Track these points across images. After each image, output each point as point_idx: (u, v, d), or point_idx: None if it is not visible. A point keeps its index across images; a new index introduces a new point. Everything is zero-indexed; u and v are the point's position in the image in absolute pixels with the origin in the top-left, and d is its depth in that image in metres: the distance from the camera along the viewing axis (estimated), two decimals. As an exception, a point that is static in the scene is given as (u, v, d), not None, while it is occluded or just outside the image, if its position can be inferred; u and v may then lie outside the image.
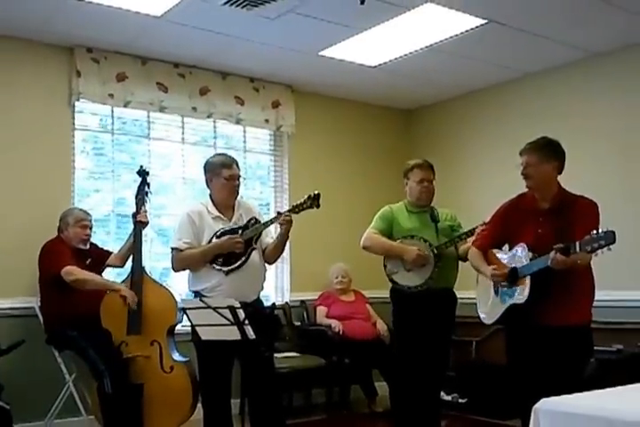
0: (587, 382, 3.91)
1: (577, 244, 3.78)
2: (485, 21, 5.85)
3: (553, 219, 4.24)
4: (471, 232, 5.01)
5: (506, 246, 4.50)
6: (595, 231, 3.72)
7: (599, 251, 3.72)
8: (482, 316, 4.61)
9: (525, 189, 4.53)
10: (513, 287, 4.23)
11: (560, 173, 4.39)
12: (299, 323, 7.26)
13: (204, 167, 4.97)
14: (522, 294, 4.14)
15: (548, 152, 4.34)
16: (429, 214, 5.24)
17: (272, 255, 4.96)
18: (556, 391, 3.86)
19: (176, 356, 5.33)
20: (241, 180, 4.97)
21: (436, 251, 5.06)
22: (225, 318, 4.08)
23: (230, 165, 4.87)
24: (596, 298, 5.99)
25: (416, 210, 5.30)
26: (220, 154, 5.23)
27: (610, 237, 3.65)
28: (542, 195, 4.35)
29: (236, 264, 4.70)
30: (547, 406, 2.69)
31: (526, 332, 4.30)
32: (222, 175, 4.82)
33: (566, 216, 4.21)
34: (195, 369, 5.06)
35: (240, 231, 4.76)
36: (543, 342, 4.21)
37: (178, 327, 5.45)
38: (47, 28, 5.88)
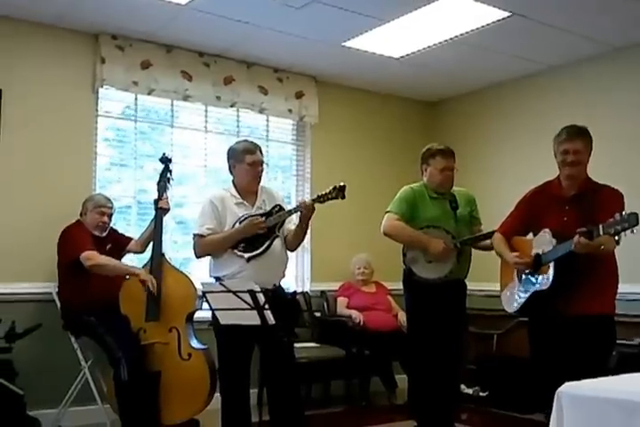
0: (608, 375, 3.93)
1: (600, 227, 3.73)
2: (509, 14, 5.83)
3: (578, 207, 4.20)
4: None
5: (530, 235, 4.47)
6: (618, 214, 3.66)
7: (622, 234, 3.66)
8: (504, 303, 4.57)
9: (546, 179, 4.50)
10: (536, 275, 4.20)
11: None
12: (318, 313, 7.24)
13: (228, 153, 4.98)
14: (545, 280, 4.11)
15: (590, 139, 4.32)
16: (449, 201, 5.16)
17: (293, 242, 4.94)
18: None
19: (194, 343, 5.32)
20: (264, 166, 4.96)
21: (459, 245, 5.04)
22: (245, 302, 4.07)
23: (254, 151, 4.87)
24: (618, 291, 5.99)
25: (436, 196, 5.22)
26: (243, 140, 5.20)
27: (633, 220, 3.58)
28: (572, 182, 4.31)
29: (258, 251, 4.70)
30: (569, 390, 2.68)
31: (549, 322, 4.26)
32: (245, 161, 4.83)
33: (591, 204, 4.16)
34: (213, 357, 5.06)
35: (264, 218, 4.75)
36: (566, 332, 4.18)
37: (197, 315, 5.44)
38: (72, 14, 5.89)
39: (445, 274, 5.03)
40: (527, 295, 4.27)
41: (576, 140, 4.25)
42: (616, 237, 3.70)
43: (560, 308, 4.14)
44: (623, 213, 3.66)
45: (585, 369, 4.02)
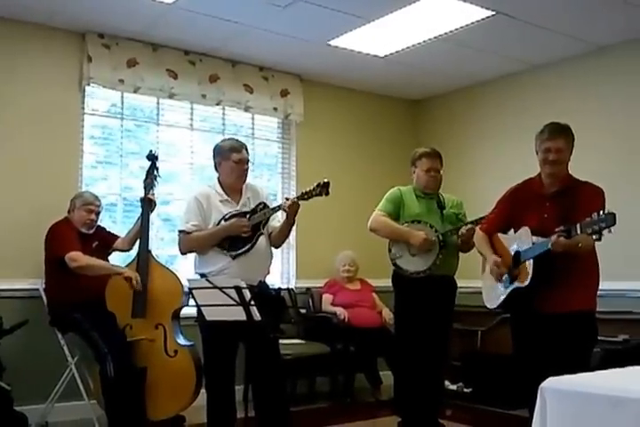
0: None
1: (578, 226, 3.75)
2: (493, 13, 5.88)
3: (558, 204, 4.22)
4: (477, 222, 4.98)
5: (511, 231, 4.48)
6: (595, 213, 3.68)
7: (600, 233, 3.67)
8: (485, 300, 4.60)
9: (529, 176, 4.53)
10: (516, 272, 4.23)
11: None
12: (304, 310, 7.26)
13: (214, 151, 4.99)
14: (525, 277, 4.12)
15: (572, 137, 4.32)
16: (436, 201, 5.26)
17: (277, 240, 4.97)
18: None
19: (181, 340, 5.34)
20: (249, 164, 4.98)
21: (441, 237, 5.10)
22: (231, 298, 4.09)
23: (239, 150, 4.89)
24: (601, 288, 6.01)
25: (423, 195, 5.33)
26: (229, 138, 5.23)
27: (610, 220, 3.60)
28: (553, 179, 4.31)
29: (244, 249, 4.72)
30: (553, 385, 2.70)
31: (530, 319, 4.29)
32: (231, 159, 4.84)
33: (571, 201, 4.17)
34: (199, 354, 5.07)
35: (248, 215, 4.78)
36: (547, 329, 4.20)
37: (183, 311, 5.46)
38: (59, 13, 5.91)
39: (429, 266, 5.09)
40: (507, 292, 4.30)
41: (558, 138, 4.26)
42: (594, 236, 3.71)
43: (540, 305, 4.17)
44: (601, 212, 3.67)
45: (566, 366, 4.05)
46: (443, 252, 5.12)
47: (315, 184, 4.65)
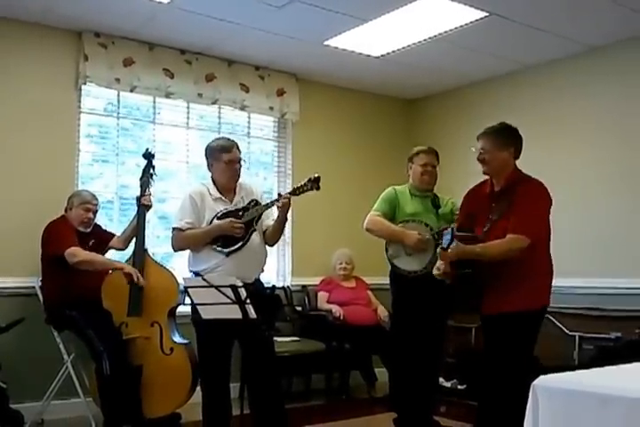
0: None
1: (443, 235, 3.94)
2: (487, 14, 5.91)
3: (500, 204, 4.25)
4: None
5: None
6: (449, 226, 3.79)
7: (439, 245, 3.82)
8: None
9: None
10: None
11: (517, 157, 4.41)
12: (299, 308, 7.31)
13: (205, 152, 5.00)
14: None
15: (503, 138, 4.34)
16: (431, 200, 5.30)
17: (271, 238, 4.98)
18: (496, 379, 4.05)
19: (176, 338, 5.35)
20: (242, 162, 4.98)
21: (436, 236, 5.13)
22: (226, 296, 4.11)
23: (230, 149, 4.89)
24: (595, 285, 6.10)
25: (419, 194, 5.37)
26: (219, 138, 5.23)
27: (448, 234, 3.79)
28: (497, 179, 4.36)
29: (237, 246, 4.74)
30: (544, 383, 2.73)
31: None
32: (222, 160, 4.85)
33: (510, 200, 4.21)
34: (195, 352, 5.08)
35: (241, 213, 4.81)
36: (484, 330, 4.33)
37: (179, 309, 5.45)
38: (55, 12, 5.93)
39: (425, 265, 5.09)
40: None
41: (480, 139, 4.40)
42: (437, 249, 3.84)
43: (481, 306, 4.27)
44: (452, 224, 3.82)
45: (500, 367, 4.15)
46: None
47: (306, 179, 4.67)
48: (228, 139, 5.11)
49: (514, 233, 4.04)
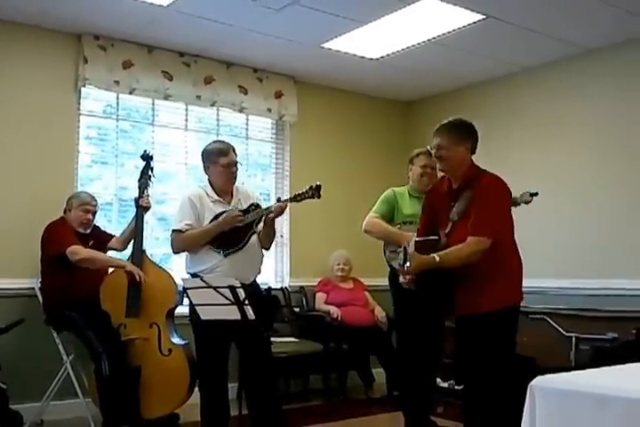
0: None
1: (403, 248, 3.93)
2: (484, 17, 5.94)
3: (459, 202, 4.18)
4: None
5: None
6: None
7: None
8: None
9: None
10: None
11: (473, 153, 4.30)
12: (297, 309, 7.34)
13: (202, 155, 5.01)
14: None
15: (459, 133, 4.24)
16: None
17: (264, 242, 4.99)
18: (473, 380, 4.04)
19: (175, 339, 5.35)
20: (239, 165, 5.00)
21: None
22: (225, 297, 4.13)
23: (227, 153, 4.91)
24: (591, 286, 6.10)
25: (418, 195, 5.29)
26: (216, 141, 5.26)
27: (401, 253, 3.84)
28: (454, 176, 4.27)
29: (236, 247, 4.76)
30: (542, 384, 2.75)
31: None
32: (219, 163, 4.87)
33: (469, 198, 4.13)
34: (193, 353, 5.10)
35: (242, 215, 4.80)
36: (461, 332, 4.25)
37: (178, 310, 5.47)
38: (55, 14, 5.95)
39: None
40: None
41: (436, 136, 4.27)
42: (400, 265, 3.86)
43: (455, 307, 4.20)
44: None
45: (484, 367, 4.08)
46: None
47: (307, 187, 4.69)
48: (225, 142, 5.14)
49: (473, 235, 3.95)
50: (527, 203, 5.23)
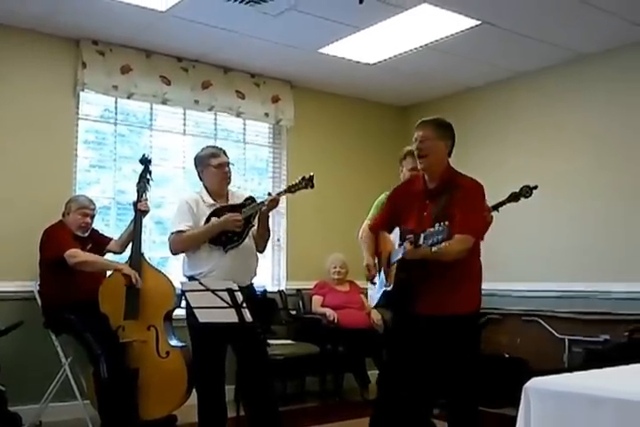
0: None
1: (422, 236, 3.72)
2: (479, 22, 6.00)
3: (437, 202, 4.12)
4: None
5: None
6: (438, 224, 3.64)
7: (437, 245, 3.65)
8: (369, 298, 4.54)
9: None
10: (390, 273, 4.14)
11: (450, 154, 4.25)
12: (294, 311, 7.38)
13: (195, 161, 5.05)
14: (391, 281, 4.08)
15: (443, 130, 4.22)
16: None
17: (259, 243, 5.00)
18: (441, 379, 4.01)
19: (172, 341, 5.38)
20: (231, 166, 5.02)
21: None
22: (223, 300, 4.15)
23: (218, 155, 4.97)
24: (584, 289, 6.13)
25: None
26: (207, 146, 5.27)
27: (446, 232, 3.58)
28: (432, 175, 4.20)
29: (236, 242, 4.77)
30: (536, 385, 2.75)
31: (405, 320, 4.24)
32: (212, 164, 4.91)
33: (449, 199, 4.07)
34: (191, 355, 5.08)
35: (239, 209, 4.83)
36: (423, 332, 4.12)
37: (176, 312, 5.48)
38: (54, 20, 6.00)
39: None
40: (381, 292, 4.23)
41: (421, 128, 4.22)
42: (433, 248, 3.69)
43: (412, 307, 4.10)
44: (441, 223, 3.63)
45: (446, 369, 4.06)
46: None
47: (300, 178, 4.75)
48: (216, 146, 5.21)
49: (461, 233, 3.89)
50: (527, 197, 5.06)
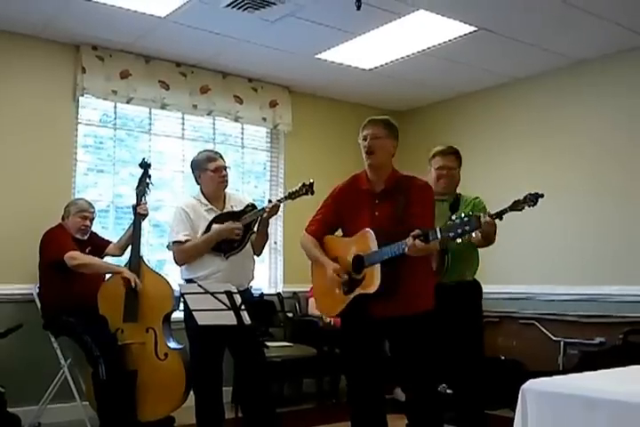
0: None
1: (437, 230, 3.61)
2: (475, 29, 6.04)
3: (390, 201, 4.08)
4: (494, 215, 4.72)
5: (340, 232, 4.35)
6: (455, 217, 3.56)
7: (463, 236, 3.55)
8: (322, 309, 4.46)
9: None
10: (359, 277, 3.99)
11: (393, 155, 4.26)
12: (291, 314, 7.41)
13: (191, 165, 5.07)
14: (371, 283, 3.90)
15: (391, 129, 4.25)
16: (450, 203, 5.05)
17: (257, 246, 5.01)
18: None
19: (171, 343, 5.39)
20: (228, 170, 5.04)
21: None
22: (222, 302, 4.18)
23: (215, 158, 4.98)
24: (580, 292, 6.16)
25: (437, 198, 4.71)
26: (203, 151, 5.28)
27: (475, 223, 3.49)
28: (378, 175, 4.19)
29: (237, 249, 4.81)
30: (533, 387, 2.80)
31: (366, 324, 4.08)
32: (209, 168, 4.92)
33: (403, 198, 4.04)
34: (189, 357, 5.10)
35: (239, 216, 4.86)
36: (385, 333, 4.08)
37: (174, 315, 5.50)
38: (54, 25, 6.04)
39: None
40: (350, 298, 4.03)
41: (370, 126, 4.27)
42: (458, 240, 3.60)
43: (379, 309, 3.96)
44: (462, 215, 3.54)
45: (417, 365, 4.01)
46: (446, 257, 4.88)
47: (300, 184, 4.76)
48: (212, 150, 5.26)
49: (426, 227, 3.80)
50: (531, 206, 4.68)
